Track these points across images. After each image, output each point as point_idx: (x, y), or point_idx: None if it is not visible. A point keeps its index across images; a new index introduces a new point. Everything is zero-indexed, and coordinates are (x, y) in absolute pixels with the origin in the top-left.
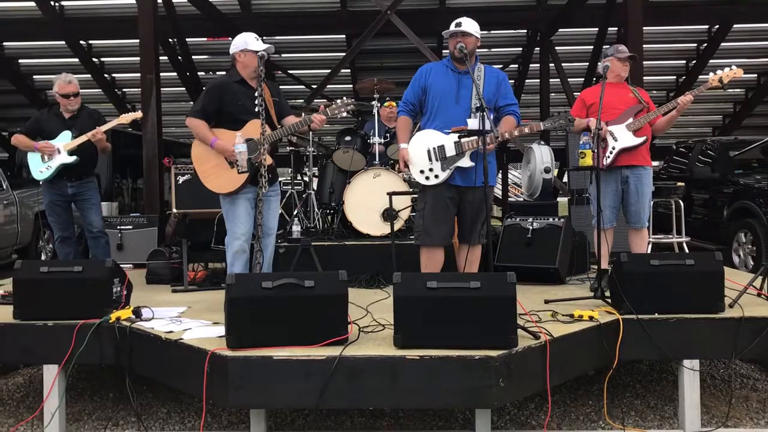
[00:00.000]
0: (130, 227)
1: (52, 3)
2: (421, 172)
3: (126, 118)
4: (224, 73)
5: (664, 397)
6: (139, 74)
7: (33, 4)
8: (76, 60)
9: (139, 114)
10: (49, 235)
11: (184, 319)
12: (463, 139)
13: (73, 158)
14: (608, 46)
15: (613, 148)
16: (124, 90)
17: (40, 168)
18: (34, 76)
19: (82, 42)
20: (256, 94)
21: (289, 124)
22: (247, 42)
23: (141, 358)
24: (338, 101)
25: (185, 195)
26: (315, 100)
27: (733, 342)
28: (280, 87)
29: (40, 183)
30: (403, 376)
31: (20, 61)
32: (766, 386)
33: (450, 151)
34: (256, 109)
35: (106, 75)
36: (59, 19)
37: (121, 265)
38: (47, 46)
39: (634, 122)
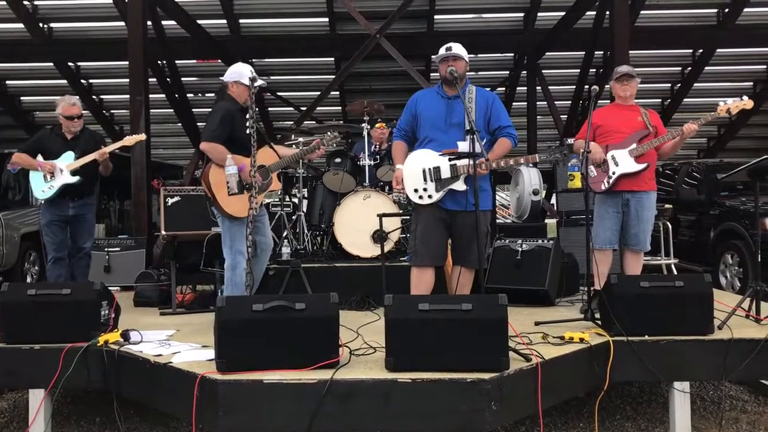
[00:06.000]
0: (118, 249)
1: (40, 25)
2: (415, 191)
3: (130, 140)
4: (213, 95)
5: (654, 419)
6: (127, 96)
7: (21, 25)
8: (65, 81)
9: (143, 137)
10: (35, 258)
11: (173, 342)
12: (459, 162)
13: (76, 178)
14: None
15: (613, 173)
16: (112, 111)
17: (42, 187)
18: (22, 98)
19: (70, 63)
20: (248, 124)
21: (289, 155)
22: (242, 74)
23: (129, 382)
24: (328, 134)
25: (174, 217)
26: (304, 122)
27: (723, 363)
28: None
29: (41, 202)
30: (394, 399)
31: (8, 82)
32: (755, 408)
33: (445, 174)
34: (248, 132)
35: (94, 96)
36: (48, 41)
37: (109, 288)
38: (35, 67)
39: (637, 148)
